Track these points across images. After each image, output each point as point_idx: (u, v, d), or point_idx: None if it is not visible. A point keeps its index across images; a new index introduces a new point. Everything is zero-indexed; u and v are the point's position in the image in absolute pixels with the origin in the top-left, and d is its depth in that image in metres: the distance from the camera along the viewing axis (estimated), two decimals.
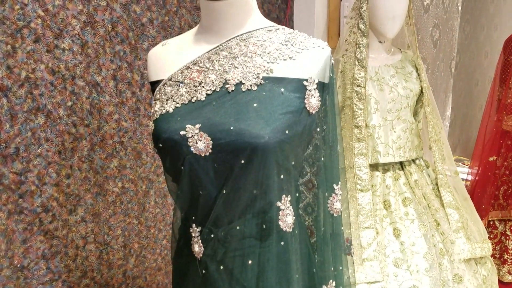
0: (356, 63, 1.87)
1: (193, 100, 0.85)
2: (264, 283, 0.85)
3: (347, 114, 1.91)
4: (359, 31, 1.87)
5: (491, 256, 2.59)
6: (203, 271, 0.89)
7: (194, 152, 0.82)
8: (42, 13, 1.37)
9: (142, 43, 1.64)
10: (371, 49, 1.94)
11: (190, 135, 0.82)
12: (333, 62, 0.92)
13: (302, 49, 0.87)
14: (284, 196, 0.85)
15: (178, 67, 0.89)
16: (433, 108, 1.96)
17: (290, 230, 0.86)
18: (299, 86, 0.85)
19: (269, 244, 0.85)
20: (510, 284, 2.51)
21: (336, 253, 0.94)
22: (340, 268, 0.94)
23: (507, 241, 2.54)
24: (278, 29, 0.91)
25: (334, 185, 0.93)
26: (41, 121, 1.40)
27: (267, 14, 2.14)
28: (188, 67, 0.88)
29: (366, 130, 1.88)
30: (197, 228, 0.89)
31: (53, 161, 1.45)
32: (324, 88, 0.89)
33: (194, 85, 0.86)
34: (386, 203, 1.89)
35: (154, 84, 0.94)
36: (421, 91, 1.94)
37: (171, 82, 0.88)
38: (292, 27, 2.20)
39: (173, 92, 0.87)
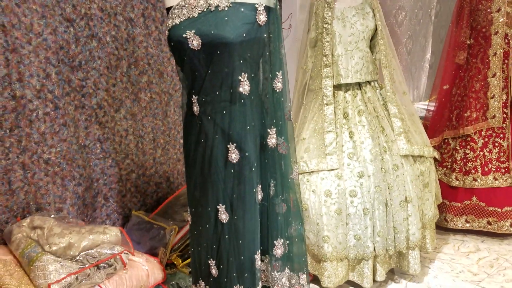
0: (325, 5, 2.36)
1: (190, 17, 1.39)
2: (232, 125, 1.42)
3: (319, 46, 2.42)
4: None
5: (445, 167, 3.09)
6: (199, 122, 1.47)
7: (191, 47, 1.38)
8: None
9: None
10: None
11: (188, 37, 1.37)
12: None
13: None
14: (243, 73, 1.40)
15: None
16: (386, 41, 2.43)
17: (247, 94, 1.42)
18: (253, 7, 1.39)
19: (234, 102, 1.42)
20: (457, 188, 3.00)
21: (277, 114, 1.50)
22: (280, 123, 1.51)
23: (456, 154, 3.02)
24: None
25: (277, 72, 1.48)
26: (95, 45, 1.97)
27: None
28: None
29: (332, 58, 2.38)
30: (195, 96, 1.46)
31: (104, 73, 2.03)
32: (270, 10, 1.42)
33: (191, 8, 1.40)
34: (345, 114, 2.42)
35: (168, 10, 1.49)
36: (376, 28, 2.42)
37: (177, 6, 1.42)
38: None
39: (178, 12, 1.41)
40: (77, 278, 1.64)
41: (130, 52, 2.11)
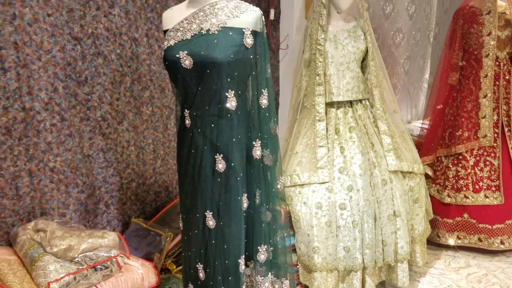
0: (319, 28, 2.48)
1: (183, 39, 1.52)
2: (220, 138, 1.53)
3: (312, 65, 2.54)
4: (322, 4, 2.47)
5: (438, 184, 3.15)
6: (190, 134, 1.58)
7: (184, 66, 1.50)
8: None
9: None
10: (332, 18, 2.54)
11: (181, 57, 1.50)
12: (263, 19, 1.57)
13: (243, 12, 1.53)
14: (230, 90, 1.51)
15: (177, 21, 1.56)
16: (377, 62, 2.54)
17: (234, 109, 1.53)
18: (240, 31, 1.51)
19: (222, 117, 1.53)
20: (449, 204, 3.06)
21: (263, 128, 1.61)
22: (266, 136, 1.62)
23: (448, 172, 3.09)
24: (232, 0, 1.56)
25: (263, 90, 1.60)
26: (100, 61, 2.11)
27: None
28: (182, 21, 1.55)
29: (324, 77, 2.49)
30: (187, 111, 1.57)
31: (108, 88, 2.17)
32: (256, 34, 1.54)
33: (184, 31, 1.53)
34: (336, 130, 2.52)
35: (165, 32, 1.62)
36: (367, 50, 2.53)
37: (173, 29, 1.55)
38: (278, 2, 2.83)
39: (173, 35, 1.54)
40: (75, 278, 1.75)
41: (134, 69, 2.25)
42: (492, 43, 2.88)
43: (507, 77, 2.98)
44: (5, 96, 1.83)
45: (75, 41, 2.00)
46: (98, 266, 1.81)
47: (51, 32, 1.91)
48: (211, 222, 1.59)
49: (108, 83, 2.15)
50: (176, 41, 1.53)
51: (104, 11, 2.08)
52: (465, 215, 2.99)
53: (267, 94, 1.61)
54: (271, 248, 1.70)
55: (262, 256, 1.66)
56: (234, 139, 1.55)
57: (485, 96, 2.95)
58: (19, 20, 1.81)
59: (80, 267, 1.78)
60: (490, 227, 2.93)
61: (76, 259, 1.81)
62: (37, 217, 2.01)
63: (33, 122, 1.92)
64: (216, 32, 1.50)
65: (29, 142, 1.93)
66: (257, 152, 1.61)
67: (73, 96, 2.04)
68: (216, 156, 1.55)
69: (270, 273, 1.70)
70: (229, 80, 1.51)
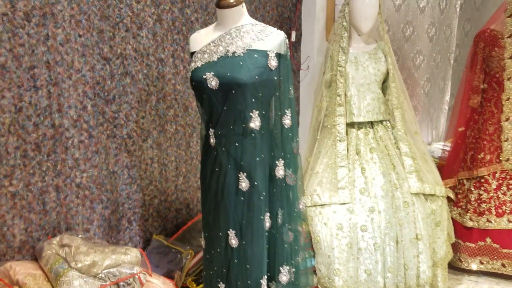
0: (340, 50, 2.49)
1: (210, 61, 1.54)
2: (244, 156, 1.53)
3: (333, 86, 2.54)
4: (343, 27, 2.49)
5: (460, 207, 3.08)
6: (215, 153, 1.59)
7: (210, 87, 1.52)
8: (130, 14, 2.11)
9: (191, 33, 2.34)
10: (353, 40, 2.55)
11: (208, 78, 1.52)
12: (287, 42, 1.58)
13: (268, 35, 1.55)
14: (254, 110, 1.52)
15: (204, 44, 1.58)
16: (397, 84, 2.53)
17: (258, 129, 1.53)
18: (265, 54, 1.52)
19: (246, 136, 1.53)
20: (471, 228, 2.98)
21: (286, 147, 1.61)
22: (288, 156, 1.61)
23: (470, 195, 3.01)
24: (257, 24, 1.59)
25: (286, 110, 1.60)
26: (128, 81, 2.15)
27: (281, 14, 2.81)
28: (209, 44, 1.57)
29: (345, 98, 2.49)
30: (212, 130, 1.58)
31: (134, 107, 2.20)
32: (280, 56, 1.56)
33: (211, 53, 1.55)
34: (357, 150, 2.50)
35: (192, 54, 1.64)
36: (388, 71, 2.52)
37: (200, 51, 1.58)
38: (300, 25, 2.86)
39: (201, 56, 1.57)
40: None
41: (159, 89, 2.28)
42: None
43: None
44: (36, 113, 1.87)
45: (104, 61, 2.05)
46: (121, 283, 1.81)
47: (81, 52, 1.96)
48: (233, 241, 1.58)
49: (134, 102, 2.19)
50: (203, 63, 1.56)
51: (133, 33, 2.13)
52: (488, 240, 2.91)
53: (290, 115, 1.61)
54: (293, 269, 1.68)
55: (284, 277, 1.64)
56: (257, 158, 1.55)
57: (507, 119, 2.90)
58: (52, 41, 1.87)
59: (104, 283, 1.78)
60: None
61: (100, 275, 1.81)
62: (62, 232, 2.02)
63: (62, 138, 1.96)
64: (242, 54, 1.52)
65: (57, 158, 1.96)
66: (280, 172, 1.60)
67: (101, 114, 2.08)
68: (239, 175, 1.55)
69: None
70: (253, 100, 1.52)
